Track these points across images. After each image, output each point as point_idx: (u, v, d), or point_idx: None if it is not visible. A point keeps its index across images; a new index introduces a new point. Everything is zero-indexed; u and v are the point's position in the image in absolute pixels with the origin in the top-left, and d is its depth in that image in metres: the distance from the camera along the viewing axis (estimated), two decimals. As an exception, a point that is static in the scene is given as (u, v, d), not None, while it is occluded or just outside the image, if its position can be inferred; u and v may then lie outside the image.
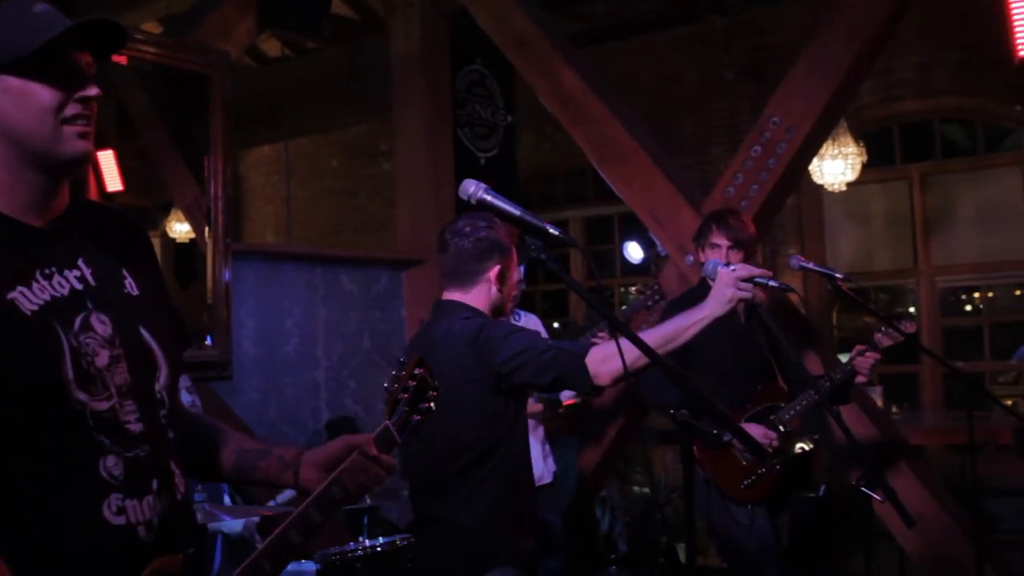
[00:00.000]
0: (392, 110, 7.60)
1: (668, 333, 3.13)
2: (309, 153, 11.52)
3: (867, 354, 4.58)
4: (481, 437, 3.36)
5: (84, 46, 1.87)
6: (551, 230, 2.44)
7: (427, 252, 7.14)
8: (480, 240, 3.49)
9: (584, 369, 3.10)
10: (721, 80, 9.27)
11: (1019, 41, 5.01)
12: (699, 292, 4.11)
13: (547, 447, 5.63)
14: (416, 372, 2.21)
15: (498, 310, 3.54)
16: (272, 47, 10.13)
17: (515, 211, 2.46)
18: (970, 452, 4.58)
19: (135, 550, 1.82)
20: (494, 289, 3.50)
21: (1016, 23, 5.02)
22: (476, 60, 7.68)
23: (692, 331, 3.09)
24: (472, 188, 2.48)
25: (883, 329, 4.63)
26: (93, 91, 1.86)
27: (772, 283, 3.12)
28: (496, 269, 3.48)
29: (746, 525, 4.37)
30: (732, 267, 3.16)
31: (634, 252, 7.76)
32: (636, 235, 7.76)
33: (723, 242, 4.57)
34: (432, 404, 2.22)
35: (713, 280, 3.20)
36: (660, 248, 6.51)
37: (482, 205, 2.47)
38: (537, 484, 5.42)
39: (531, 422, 5.45)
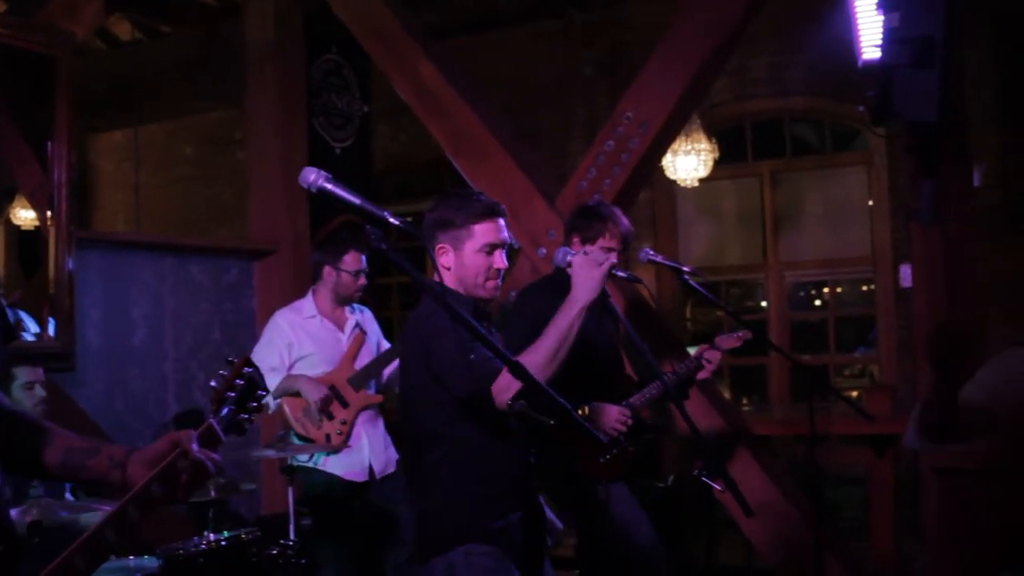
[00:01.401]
0: (245, 97, 7.46)
1: (554, 343, 3.11)
2: (161, 140, 11.25)
3: (708, 353, 4.66)
4: (428, 422, 3.35)
5: None
6: (391, 220, 2.42)
7: (279, 242, 7.03)
8: (428, 219, 3.40)
9: (490, 395, 3.11)
10: (580, 75, 9.34)
11: (862, 44, 5.13)
12: (556, 280, 4.14)
13: (388, 437, 5.62)
14: (245, 371, 2.18)
15: (471, 290, 3.37)
16: (124, 30, 9.84)
17: (355, 200, 2.43)
18: (811, 442, 4.68)
19: None
20: (443, 269, 3.36)
21: (859, 27, 5.14)
22: (332, 48, 7.59)
23: (575, 326, 3.10)
24: (312, 176, 2.44)
25: (723, 333, 4.75)
26: None
27: (620, 273, 3.16)
28: (439, 247, 3.36)
29: (604, 500, 4.40)
30: (583, 251, 3.19)
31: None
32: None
33: (616, 245, 4.48)
34: (259, 404, 2.19)
35: (566, 268, 3.21)
36: (513, 241, 6.52)
37: (322, 193, 2.43)
38: (380, 475, 5.43)
39: (371, 412, 5.45)
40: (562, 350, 3.09)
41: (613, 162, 5.83)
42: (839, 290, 9.81)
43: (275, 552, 4.74)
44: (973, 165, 5.22)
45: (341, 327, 5.57)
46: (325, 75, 7.55)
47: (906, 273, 5.38)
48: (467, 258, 3.32)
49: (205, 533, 4.56)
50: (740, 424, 5.99)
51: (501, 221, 3.37)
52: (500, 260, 3.35)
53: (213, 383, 2.21)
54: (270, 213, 7.21)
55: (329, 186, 2.43)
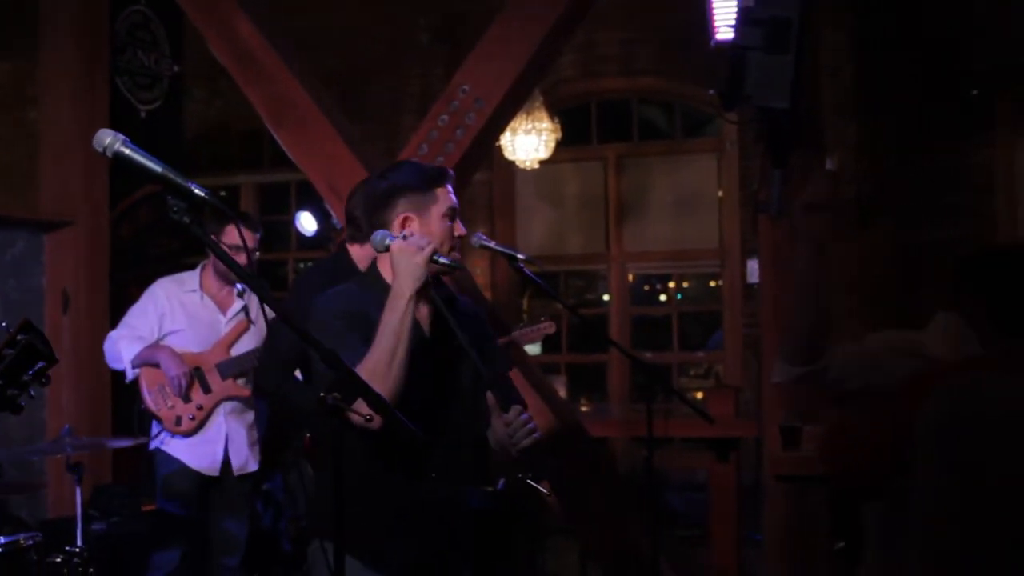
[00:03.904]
0: (39, 49, 7.22)
1: (388, 344, 3.02)
2: (-64, 93, 10.82)
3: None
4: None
5: None
6: (196, 191, 2.38)
7: (74, 213, 6.84)
8: (379, 187, 3.35)
9: None
10: (415, 42, 9.32)
11: (715, 24, 5.25)
12: (340, 260, 4.20)
13: (255, 433, 5.63)
14: (18, 339, 2.10)
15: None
16: None
17: (156, 167, 2.39)
18: (650, 445, 4.78)
19: None
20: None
21: (713, 6, 5.26)
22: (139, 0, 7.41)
23: (407, 320, 3.04)
24: (108, 139, 2.41)
25: (522, 327, 4.80)
26: None
27: (443, 259, 3.15)
28: (402, 216, 3.26)
29: None
30: (402, 235, 3.17)
31: (307, 223, 7.70)
32: (311, 205, 7.70)
33: None
34: (38, 374, 2.10)
35: (380, 252, 3.19)
36: (336, 220, 6.49)
37: (119, 158, 2.39)
38: (238, 472, 5.44)
39: (239, 405, 5.42)
40: (399, 350, 3.02)
41: (447, 138, 5.84)
42: (685, 284, 10.03)
43: (59, 560, 4.64)
44: (825, 156, 5.39)
45: (224, 309, 5.54)
46: (131, 28, 7.35)
47: (753, 268, 5.53)
48: (434, 224, 3.26)
49: (-22, 538, 4.43)
50: (573, 424, 6.06)
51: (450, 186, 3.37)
52: (460, 227, 3.34)
53: None
54: (65, 180, 7.00)
55: (127, 151, 2.38)
